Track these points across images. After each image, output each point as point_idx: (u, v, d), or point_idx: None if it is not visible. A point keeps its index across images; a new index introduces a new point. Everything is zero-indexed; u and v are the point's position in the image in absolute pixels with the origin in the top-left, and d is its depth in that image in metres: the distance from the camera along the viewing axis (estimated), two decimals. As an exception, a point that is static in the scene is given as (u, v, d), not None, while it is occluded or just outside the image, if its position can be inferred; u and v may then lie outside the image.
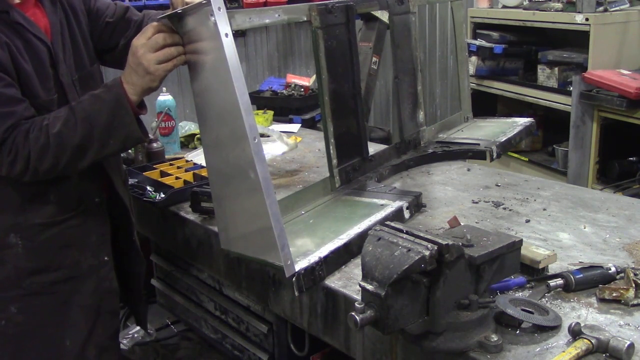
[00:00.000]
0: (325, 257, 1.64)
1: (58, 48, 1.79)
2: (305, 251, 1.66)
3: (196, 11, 1.51)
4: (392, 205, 1.95)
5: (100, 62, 2.02)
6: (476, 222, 1.94)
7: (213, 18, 1.44)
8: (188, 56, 1.61)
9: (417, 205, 2.03)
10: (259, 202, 1.48)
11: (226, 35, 1.45)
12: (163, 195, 2.26)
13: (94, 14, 1.98)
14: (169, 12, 1.64)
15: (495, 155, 2.50)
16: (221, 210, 1.67)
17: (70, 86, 1.81)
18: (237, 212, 1.62)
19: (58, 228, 1.80)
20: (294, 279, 1.54)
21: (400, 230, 1.31)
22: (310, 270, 1.59)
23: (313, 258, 1.62)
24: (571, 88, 3.77)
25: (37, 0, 1.81)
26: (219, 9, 1.44)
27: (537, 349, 1.28)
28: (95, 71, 1.96)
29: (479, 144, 2.58)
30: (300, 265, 1.57)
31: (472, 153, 2.57)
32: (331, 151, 2.08)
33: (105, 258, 1.93)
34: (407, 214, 1.96)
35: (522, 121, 2.96)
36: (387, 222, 1.37)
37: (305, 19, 1.98)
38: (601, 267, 1.53)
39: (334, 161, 2.10)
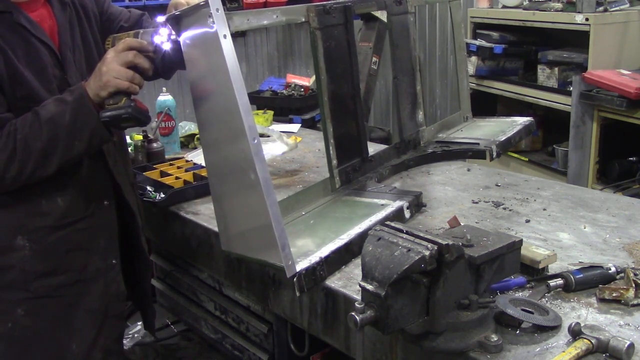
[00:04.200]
0: (326, 257, 1.64)
1: (66, 49, 1.78)
2: (306, 251, 1.66)
3: (194, 13, 1.51)
4: (392, 205, 1.95)
5: None
6: (476, 222, 1.94)
7: (211, 20, 1.44)
8: (187, 58, 1.60)
9: (417, 205, 2.03)
10: (260, 202, 1.48)
11: (224, 36, 1.45)
12: (163, 195, 2.26)
13: (106, 17, 1.97)
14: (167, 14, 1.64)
15: (495, 154, 2.50)
16: (221, 212, 1.66)
17: None
18: (237, 213, 1.62)
19: (66, 231, 1.79)
20: (295, 280, 1.53)
21: (400, 230, 1.31)
22: (311, 270, 1.58)
23: (314, 258, 1.61)
24: (571, 88, 3.77)
25: (45, 0, 1.79)
26: (217, 10, 1.44)
27: (537, 349, 1.28)
28: None
29: (478, 144, 2.58)
30: (301, 265, 1.57)
31: (471, 152, 2.56)
32: (331, 152, 2.08)
33: (114, 261, 1.92)
34: (407, 214, 1.96)
35: (522, 120, 2.96)
36: (387, 222, 1.37)
37: (304, 20, 1.98)
38: (601, 267, 1.53)
39: (334, 162, 2.10)
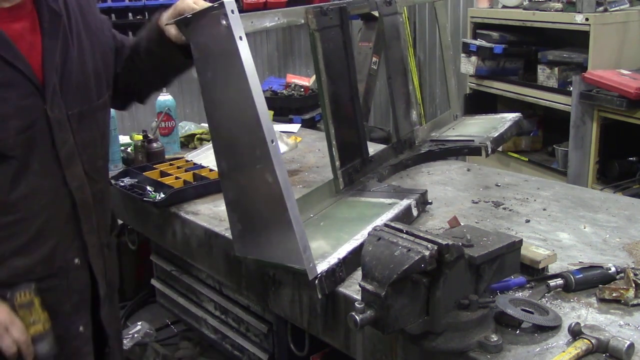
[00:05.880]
0: (344, 258, 1.62)
1: (52, 73, 1.49)
2: (323, 253, 1.65)
3: (207, 15, 1.49)
4: (400, 204, 1.94)
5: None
6: (476, 222, 1.94)
7: (225, 22, 1.43)
8: (198, 62, 1.57)
9: (423, 202, 2.04)
10: (279, 205, 1.47)
11: (240, 38, 1.44)
12: (163, 195, 2.25)
13: (120, 47, 1.79)
14: (176, 18, 1.61)
15: (489, 150, 2.50)
16: (235, 216, 1.64)
17: (61, 122, 1.51)
18: (253, 217, 1.60)
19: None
20: (316, 282, 1.52)
21: (400, 230, 1.31)
22: (331, 272, 1.57)
23: (332, 260, 1.60)
24: (571, 88, 3.77)
25: (34, 8, 1.50)
26: (232, 12, 1.43)
27: (537, 349, 1.28)
28: (99, 107, 1.66)
29: (473, 140, 2.58)
30: (321, 267, 1.55)
31: (467, 150, 2.56)
32: (334, 153, 2.08)
33: (80, 329, 1.62)
34: (415, 212, 1.96)
35: (511, 116, 2.97)
36: (387, 222, 1.37)
37: (303, 21, 1.99)
38: (601, 267, 1.53)
39: (337, 163, 2.10)
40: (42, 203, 1.51)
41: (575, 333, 1.27)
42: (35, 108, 1.47)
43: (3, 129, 1.42)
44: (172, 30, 1.67)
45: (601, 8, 3.69)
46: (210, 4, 1.50)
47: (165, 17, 1.70)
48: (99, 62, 1.66)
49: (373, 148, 2.41)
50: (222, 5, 1.43)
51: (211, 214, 2.14)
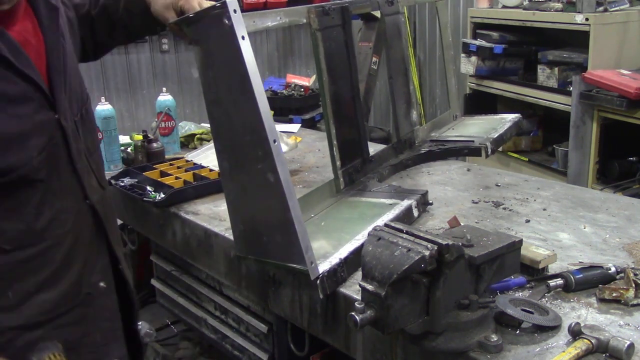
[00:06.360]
0: (346, 258, 1.62)
1: (59, 83, 1.36)
2: (324, 253, 1.64)
3: (209, 14, 1.49)
4: (401, 205, 1.94)
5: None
6: (476, 222, 1.94)
7: (228, 21, 1.44)
8: (199, 62, 1.56)
9: (424, 203, 2.04)
10: (281, 205, 1.47)
11: (243, 38, 1.44)
12: (163, 195, 2.25)
13: (86, 18, 1.64)
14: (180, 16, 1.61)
15: (489, 151, 2.50)
16: (237, 216, 1.64)
17: (73, 131, 1.39)
18: (255, 217, 1.60)
19: (45, 330, 1.33)
20: (318, 282, 1.52)
21: (400, 230, 1.31)
22: (332, 272, 1.57)
23: (334, 260, 1.60)
24: (571, 88, 3.77)
25: (28, 4, 1.36)
26: (235, 11, 1.43)
27: (537, 349, 1.28)
28: (89, 103, 1.54)
29: (473, 141, 2.58)
30: (322, 267, 1.55)
31: (467, 150, 2.56)
32: (335, 153, 2.08)
33: None
34: (415, 212, 1.96)
35: (510, 117, 2.97)
36: (387, 222, 1.37)
37: (305, 21, 1.99)
38: (601, 267, 1.53)
39: (338, 163, 2.10)
40: (67, 226, 1.37)
41: (575, 333, 1.27)
42: (49, 120, 1.33)
43: (24, 150, 1.27)
44: (167, 15, 1.60)
45: (601, 8, 3.69)
46: (212, 4, 1.50)
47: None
48: (76, 48, 1.52)
49: (373, 148, 2.41)
50: (224, 4, 1.43)
51: (211, 214, 2.14)
